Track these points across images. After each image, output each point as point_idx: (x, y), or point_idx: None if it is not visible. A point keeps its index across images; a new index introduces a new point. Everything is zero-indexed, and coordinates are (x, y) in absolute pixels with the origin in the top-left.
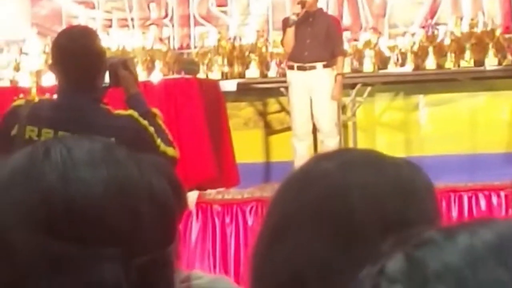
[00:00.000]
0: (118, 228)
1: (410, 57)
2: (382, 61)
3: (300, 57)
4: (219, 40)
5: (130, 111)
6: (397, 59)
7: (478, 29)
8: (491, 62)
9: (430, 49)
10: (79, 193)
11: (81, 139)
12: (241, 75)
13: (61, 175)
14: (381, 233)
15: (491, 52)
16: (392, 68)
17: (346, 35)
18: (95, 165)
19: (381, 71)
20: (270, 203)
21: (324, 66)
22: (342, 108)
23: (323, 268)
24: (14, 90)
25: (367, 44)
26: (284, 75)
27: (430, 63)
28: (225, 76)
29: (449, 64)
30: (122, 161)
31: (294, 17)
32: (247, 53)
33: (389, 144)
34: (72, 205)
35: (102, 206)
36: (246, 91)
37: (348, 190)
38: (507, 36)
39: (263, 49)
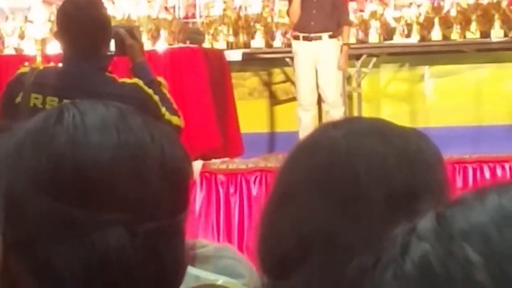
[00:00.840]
0: (125, 194)
1: (416, 28)
2: (388, 32)
3: (306, 27)
4: (224, 10)
5: (135, 80)
6: (403, 30)
7: (484, 1)
8: (497, 33)
9: (436, 20)
10: (87, 158)
11: (97, 104)
12: (246, 45)
13: (71, 139)
14: (386, 202)
15: (497, 23)
16: (397, 39)
17: (352, 5)
18: (107, 131)
19: (387, 42)
20: (279, 171)
21: (330, 37)
22: (347, 79)
23: (328, 233)
24: (19, 58)
25: (373, 15)
26: (289, 45)
27: (436, 34)
28: (230, 46)
29: (455, 35)
30: (135, 128)
31: None
32: (252, 23)
33: (394, 115)
34: (79, 169)
35: (110, 171)
36: (251, 61)
37: (353, 158)
38: None
39: (269, 19)
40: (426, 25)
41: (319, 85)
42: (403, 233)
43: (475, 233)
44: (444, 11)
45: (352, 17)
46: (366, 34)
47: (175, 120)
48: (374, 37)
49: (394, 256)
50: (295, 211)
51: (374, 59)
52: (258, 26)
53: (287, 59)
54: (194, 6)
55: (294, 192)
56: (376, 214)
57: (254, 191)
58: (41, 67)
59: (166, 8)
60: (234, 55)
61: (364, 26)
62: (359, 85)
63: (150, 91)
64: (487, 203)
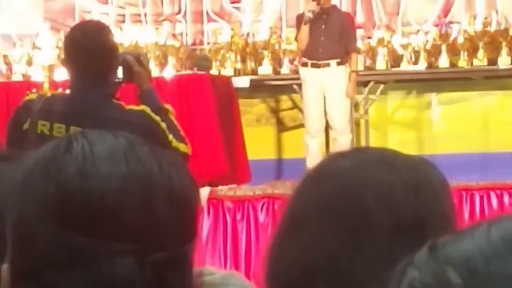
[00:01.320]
0: (134, 224)
1: (423, 55)
2: (395, 59)
3: (314, 54)
4: (232, 37)
5: (142, 107)
6: (410, 57)
7: (492, 28)
8: (504, 61)
9: (443, 48)
10: (96, 188)
11: (105, 134)
12: (254, 72)
13: (80, 168)
14: (393, 232)
15: (504, 51)
16: (405, 66)
17: (359, 32)
18: (115, 160)
19: (394, 69)
20: (288, 200)
21: (338, 64)
22: (355, 106)
23: (334, 263)
24: (27, 84)
25: (380, 41)
26: (297, 72)
27: (443, 61)
28: (237, 73)
29: (462, 62)
30: (143, 157)
31: (309, 14)
32: (260, 50)
33: (401, 142)
34: (88, 199)
35: (119, 201)
36: (258, 88)
37: (361, 188)
38: None
39: (276, 46)
40: (434, 52)
41: (327, 112)
42: (403, 264)
43: (459, 259)
44: (452, 38)
45: (359, 43)
46: (374, 61)
47: (182, 147)
48: (381, 64)
49: (392, 285)
50: (303, 240)
51: (381, 86)
52: (265, 53)
53: (295, 86)
54: (202, 33)
55: (302, 221)
56: (383, 244)
57: (261, 217)
58: (49, 94)
59: (173, 35)
60: (242, 82)
61: (372, 53)
62: (366, 112)
63: (157, 118)
64: (477, 235)
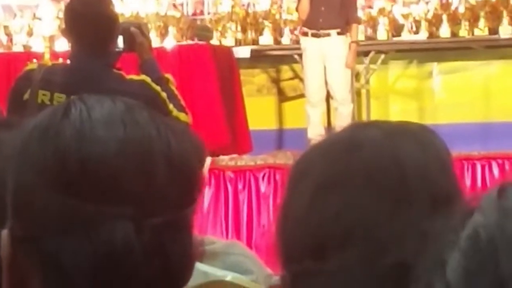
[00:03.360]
0: (131, 188)
1: (424, 25)
2: (396, 29)
3: (315, 24)
4: (232, 7)
5: (143, 76)
6: (411, 27)
7: None
8: (505, 30)
9: (444, 17)
10: (93, 152)
11: (104, 99)
12: (255, 42)
13: (77, 133)
14: (430, 206)
15: (505, 20)
16: (406, 36)
17: (360, 2)
18: (113, 125)
19: (395, 39)
20: (300, 165)
21: (339, 34)
22: (356, 76)
23: (370, 227)
24: (27, 55)
25: (381, 11)
26: (298, 42)
27: (444, 31)
28: (238, 43)
29: (463, 32)
30: (141, 122)
31: None
32: (260, 20)
33: (402, 112)
34: (85, 163)
35: (116, 165)
36: (259, 58)
37: (400, 158)
38: None
39: (277, 16)
40: (435, 22)
41: (327, 82)
42: (470, 203)
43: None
44: (453, 7)
45: (360, 13)
46: (375, 30)
47: (182, 117)
48: (382, 34)
49: (457, 224)
50: (338, 201)
51: (382, 56)
52: (266, 23)
53: (296, 56)
54: (202, 3)
55: (334, 182)
56: (420, 215)
57: (263, 187)
58: (49, 63)
59: (174, 5)
60: (243, 52)
61: (373, 22)
62: (367, 81)
63: (158, 88)
64: None
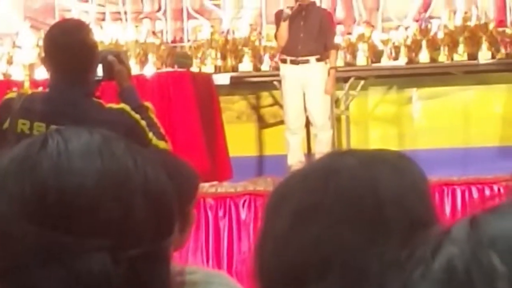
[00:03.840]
0: (109, 219)
1: (403, 51)
2: (376, 55)
3: (294, 50)
4: (212, 34)
5: (122, 105)
6: (391, 53)
7: (472, 23)
8: (484, 55)
9: (424, 43)
10: (71, 184)
11: (81, 131)
12: (234, 69)
13: (55, 165)
14: (408, 231)
15: (484, 45)
16: (385, 62)
17: (339, 28)
18: (90, 157)
19: (374, 65)
20: (279, 192)
21: (317, 60)
22: (335, 102)
23: (351, 254)
24: (7, 83)
25: (361, 37)
26: (277, 68)
27: (424, 56)
28: (218, 70)
29: (443, 57)
30: (118, 154)
31: (288, 11)
32: (240, 47)
33: (382, 138)
34: (63, 195)
35: (94, 197)
36: (239, 85)
37: (376, 187)
38: (500, 29)
39: (256, 43)
40: (414, 48)
41: (307, 109)
42: (438, 234)
43: (504, 242)
44: (432, 33)
45: (339, 39)
46: (354, 56)
47: (162, 145)
48: (362, 60)
49: (426, 255)
50: (317, 228)
51: (362, 82)
52: (245, 49)
53: (275, 83)
54: (182, 30)
55: (313, 210)
56: (398, 240)
57: (243, 214)
58: (29, 92)
59: (153, 33)
60: (222, 79)
61: (352, 48)
62: (347, 108)
63: (137, 116)
64: None
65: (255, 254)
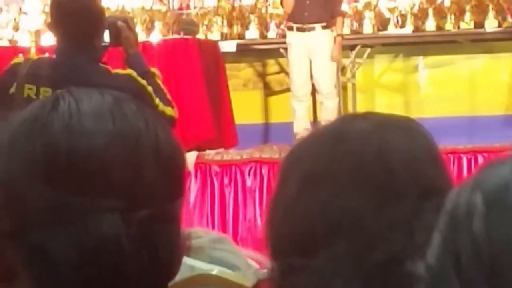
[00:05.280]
0: (120, 180)
1: (410, 19)
2: (382, 23)
3: (300, 18)
4: (218, 1)
5: (128, 71)
6: (397, 21)
7: None
8: (491, 24)
9: (430, 11)
10: (82, 145)
11: (92, 92)
12: (241, 36)
13: (65, 125)
14: (418, 198)
15: (491, 14)
16: (391, 30)
17: None
18: (101, 118)
19: (381, 33)
20: (290, 158)
21: (323, 27)
22: (342, 70)
23: (357, 220)
24: (13, 49)
25: (367, 5)
26: (284, 36)
27: (430, 24)
28: (224, 37)
29: (449, 26)
30: (129, 115)
31: None
32: (246, 14)
33: (388, 106)
34: (74, 156)
35: (104, 158)
36: (245, 52)
37: (386, 151)
38: None
39: (263, 10)
40: (420, 16)
41: (313, 76)
42: (466, 190)
43: (489, 184)
44: (438, 1)
45: (346, 7)
46: (361, 24)
47: (169, 111)
48: (368, 28)
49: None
50: (324, 194)
51: (368, 50)
52: (252, 17)
53: (282, 50)
54: None
55: (321, 175)
56: (408, 207)
57: (249, 182)
58: (35, 58)
59: (160, 0)
60: (228, 46)
61: (358, 16)
62: (353, 75)
63: (143, 82)
64: None
65: (265, 222)
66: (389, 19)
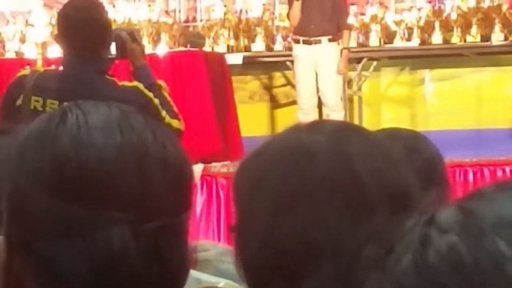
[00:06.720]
0: (128, 193)
1: (416, 32)
2: (388, 36)
3: (306, 30)
4: (225, 13)
5: (135, 83)
6: (404, 34)
7: (485, 4)
8: (497, 37)
9: (437, 24)
10: (91, 157)
11: (99, 105)
12: (247, 49)
13: (74, 139)
14: (389, 206)
15: (497, 27)
16: (398, 43)
17: (352, 9)
18: (110, 130)
19: (387, 46)
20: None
21: (330, 40)
22: (348, 83)
23: (337, 239)
24: (20, 61)
25: (374, 18)
26: (290, 48)
27: (436, 38)
28: (231, 49)
29: (455, 39)
30: (137, 127)
31: None
32: (253, 27)
33: (394, 119)
34: (83, 169)
35: (114, 171)
36: (251, 65)
37: (350, 161)
38: None
39: (269, 23)
40: (427, 29)
41: (319, 89)
42: (419, 225)
43: (505, 226)
44: (445, 14)
45: (352, 20)
46: (367, 37)
47: (175, 123)
48: (374, 41)
49: (413, 245)
50: (301, 216)
51: (374, 63)
52: (258, 29)
53: (288, 63)
54: (195, 9)
55: (295, 197)
56: (380, 217)
57: None
58: (42, 70)
59: (166, 12)
60: (235, 59)
61: (365, 29)
62: (359, 88)
63: (150, 94)
64: (510, 196)
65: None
66: (395, 32)
